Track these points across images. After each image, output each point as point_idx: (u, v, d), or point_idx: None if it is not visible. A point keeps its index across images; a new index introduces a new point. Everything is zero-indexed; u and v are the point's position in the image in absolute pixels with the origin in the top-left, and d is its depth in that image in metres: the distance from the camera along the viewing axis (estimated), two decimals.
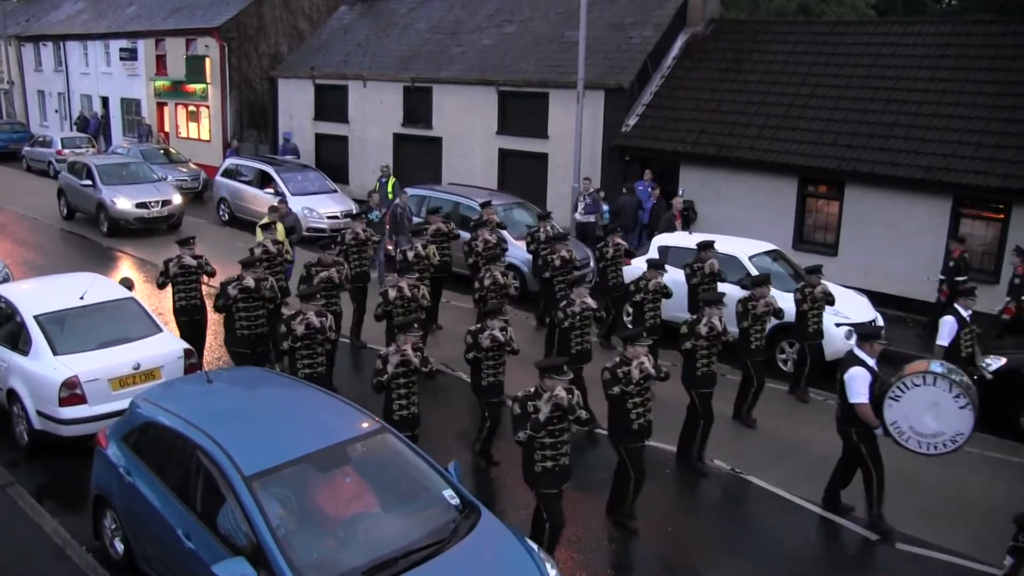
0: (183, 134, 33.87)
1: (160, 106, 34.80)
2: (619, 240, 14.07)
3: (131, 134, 35.24)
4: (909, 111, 17.68)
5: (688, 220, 18.28)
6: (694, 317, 10.19)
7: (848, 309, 13.13)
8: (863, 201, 17.45)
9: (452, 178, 23.68)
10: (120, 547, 7.78)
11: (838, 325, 12.63)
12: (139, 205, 21.83)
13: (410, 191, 19.51)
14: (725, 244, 13.88)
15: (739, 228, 17.05)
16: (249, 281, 10.88)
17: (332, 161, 27.37)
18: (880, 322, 13.42)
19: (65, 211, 24.03)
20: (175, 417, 7.30)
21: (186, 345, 10.84)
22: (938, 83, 17.78)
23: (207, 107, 32.28)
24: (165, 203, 22.21)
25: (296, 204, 21.31)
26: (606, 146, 21.30)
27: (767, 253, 14.22)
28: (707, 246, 13.04)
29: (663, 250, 14.72)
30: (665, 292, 12.16)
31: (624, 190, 19.53)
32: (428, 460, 7.35)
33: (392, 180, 21.09)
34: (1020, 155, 15.93)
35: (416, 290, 11.60)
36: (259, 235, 14.35)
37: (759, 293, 11.16)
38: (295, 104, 28.82)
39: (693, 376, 10.04)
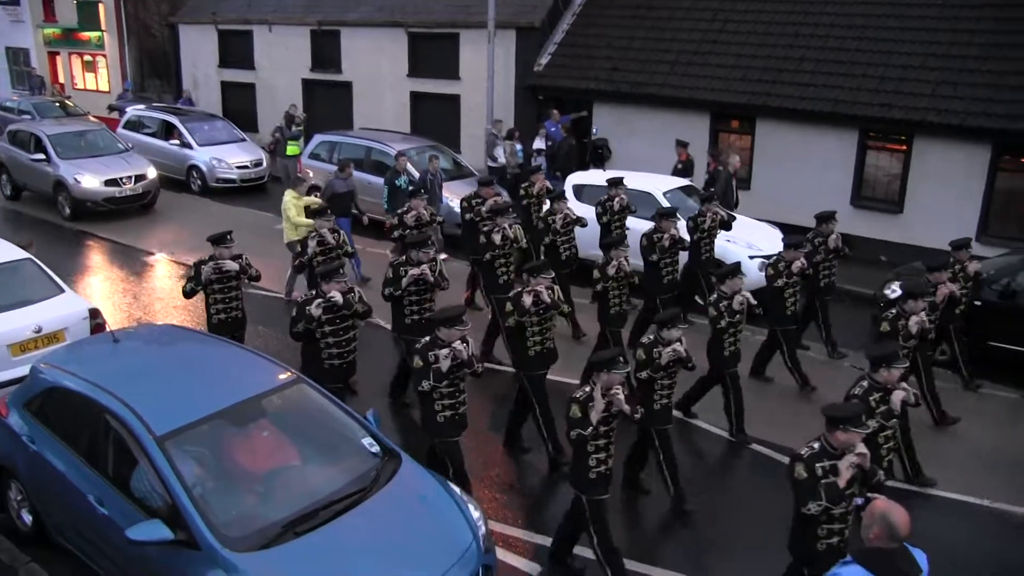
0: (79, 85, 32.49)
1: (52, 56, 33.23)
2: (717, 209, 12.45)
3: (21, 86, 33.56)
4: (816, 45, 17.84)
5: (602, 158, 18.29)
6: (603, 259, 10.22)
7: (761, 241, 13.36)
8: (774, 135, 17.68)
9: (364, 123, 23.24)
10: (28, 518, 7.51)
11: (752, 258, 12.86)
12: (108, 183, 18.22)
13: (320, 137, 19.12)
14: (639, 180, 13.94)
15: (654, 165, 17.11)
16: (336, 296, 8.37)
17: (240, 109, 26.62)
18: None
19: (9, 190, 20.15)
20: (81, 380, 7.00)
21: (91, 305, 10.39)
22: (843, 18, 17.93)
23: (104, 56, 30.95)
24: (139, 178, 18.65)
25: (203, 155, 20.74)
26: (519, 86, 21.10)
27: (681, 188, 14.34)
28: (616, 182, 12.98)
29: (577, 188, 14.72)
30: (682, 245, 11.53)
31: (562, 133, 19.20)
32: (347, 409, 7.27)
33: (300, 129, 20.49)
34: (921, 88, 16.29)
35: (552, 293, 8.88)
36: (292, 213, 13.13)
37: (665, 226, 11.21)
38: (198, 52, 27.87)
39: (607, 315, 10.31)
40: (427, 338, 7.53)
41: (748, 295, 9.31)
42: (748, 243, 13.04)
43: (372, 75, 23.91)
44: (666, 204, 13.63)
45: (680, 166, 16.95)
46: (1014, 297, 11.36)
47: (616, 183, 13.01)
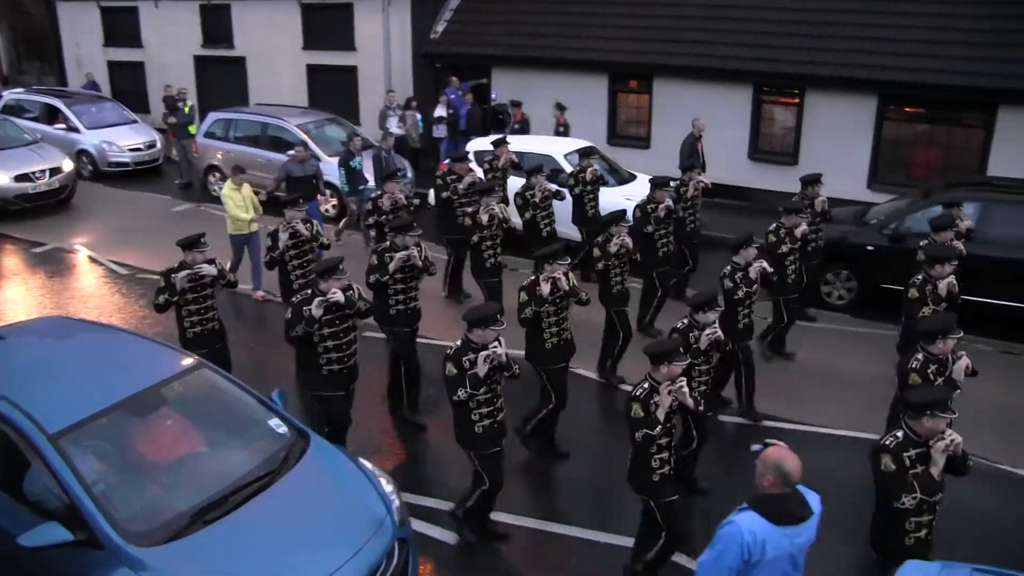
0: None
1: None
2: (699, 177, 12.12)
3: None
4: (709, 3, 18.12)
5: (503, 123, 18.27)
6: (603, 236, 9.65)
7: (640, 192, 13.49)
8: (671, 94, 17.91)
9: (259, 99, 22.72)
10: None
11: None
12: (19, 178, 16.62)
13: (215, 115, 18.63)
14: (539, 144, 14.00)
15: (549, 128, 17.21)
16: (337, 294, 7.57)
17: (129, 89, 25.68)
18: None
19: None
20: None
21: None
22: None
23: None
24: (53, 171, 17.07)
25: (92, 138, 20.01)
26: (416, 55, 20.85)
27: (581, 150, 14.39)
28: (588, 152, 12.59)
29: (478, 154, 14.69)
30: (676, 215, 11.26)
31: (466, 100, 19.01)
32: (251, 392, 7.14)
33: (188, 105, 19.89)
34: (810, 42, 16.69)
35: (569, 279, 8.37)
36: (231, 206, 12.15)
37: (659, 196, 10.87)
38: (80, 30, 26.70)
39: (610, 295, 9.74)
40: (457, 342, 6.86)
41: (764, 263, 8.94)
42: None
43: (266, 49, 23.30)
44: (568, 167, 13.71)
45: (561, 129, 17.19)
46: (903, 240, 11.79)
47: (588, 153, 12.64)
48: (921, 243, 10.04)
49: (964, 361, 6.84)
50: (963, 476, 5.69)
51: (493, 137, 15.85)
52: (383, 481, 6.67)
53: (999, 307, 11.43)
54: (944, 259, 8.43)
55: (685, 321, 7.57)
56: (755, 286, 8.89)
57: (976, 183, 13.05)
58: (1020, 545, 7.59)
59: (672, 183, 11.76)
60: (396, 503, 6.50)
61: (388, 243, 8.99)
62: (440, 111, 18.72)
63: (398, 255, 8.73)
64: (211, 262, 8.61)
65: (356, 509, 6.31)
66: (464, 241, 11.46)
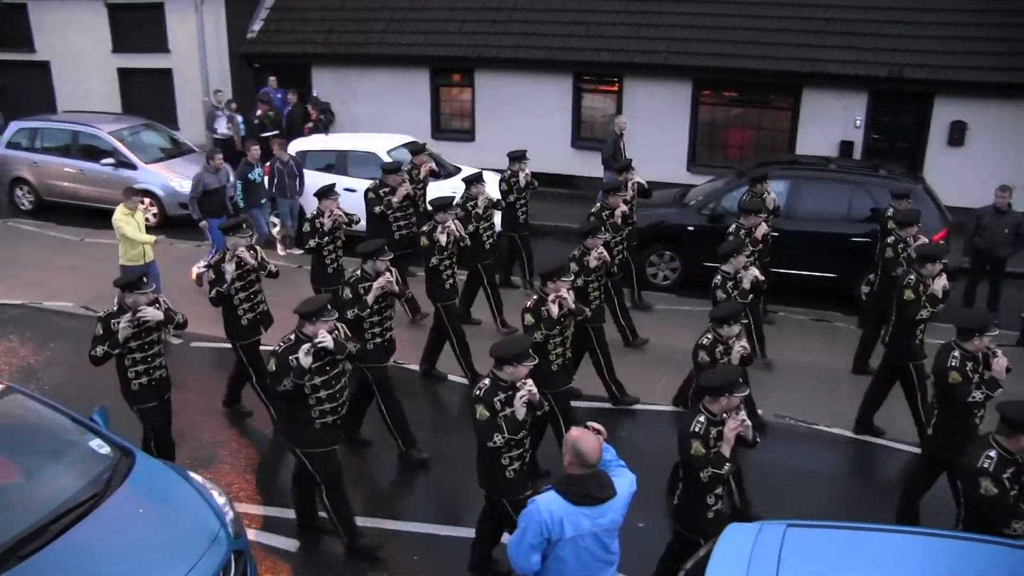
0: None
1: None
2: (636, 177, 11.67)
3: None
4: None
5: (326, 122, 17.99)
6: (579, 250, 9.06)
7: (490, 190, 13.62)
8: (493, 86, 18.11)
9: (68, 106, 21.50)
10: None
11: None
12: None
13: (18, 124, 17.52)
14: (361, 141, 13.91)
15: (379, 125, 17.10)
16: (326, 339, 6.66)
17: None
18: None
19: None
20: None
21: None
22: None
23: None
24: None
25: None
26: (233, 55, 20.26)
27: (405, 146, 14.36)
28: (519, 157, 12.15)
29: (301, 155, 14.44)
30: (633, 221, 10.95)
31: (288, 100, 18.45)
32: (69, 413, 6.78)
33: None
34: (626, 31, 17.23)
35: (572, 297, 7.85)
36: (129, 231, 10.86)
37: (613, 202, 10.52)
38: None
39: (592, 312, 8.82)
40: (484, 381, 6.11)
41: (756, 271, 8.60)
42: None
43: (72, 53, 22.06)
44: (390, 161, 13.64)
45: (312, 124, 17.34)
46: (721, 219, 12.33)
47: (518, 157, 12.12)
48: (889, 240, 9.93)
49: (1003, 360, 6.79)
50: (751, 448, 6.03)
51: (320, 137, 15.66)
52: (215, 494, 6.48)
53: (810, 278, 12.11)
54: (935, 257, 8.23)
55: (710, 336, 7.16)
56: (750, 296, 8.58)
57: (786, 162, 13.82)
58: (836, 499, 8.07)
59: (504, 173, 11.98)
60: (230, 515, 6.32)
61: (359, 272, 8.13)
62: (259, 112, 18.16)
63: (376, 284, 7.97)
64: (155, 303, 7.50)
65: (188, 525, 6.10)
66: (402, 257, 10.93)
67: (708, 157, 17.22)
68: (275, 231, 14.07)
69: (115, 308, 7.41)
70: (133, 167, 15.70)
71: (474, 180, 11.16)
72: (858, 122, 16.37)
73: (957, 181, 14.72)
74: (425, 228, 9.74)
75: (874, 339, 9.91)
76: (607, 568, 4.86)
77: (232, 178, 13.25)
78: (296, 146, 14.93)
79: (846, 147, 16.41)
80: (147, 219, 15.19)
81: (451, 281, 9.78)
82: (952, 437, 6.77)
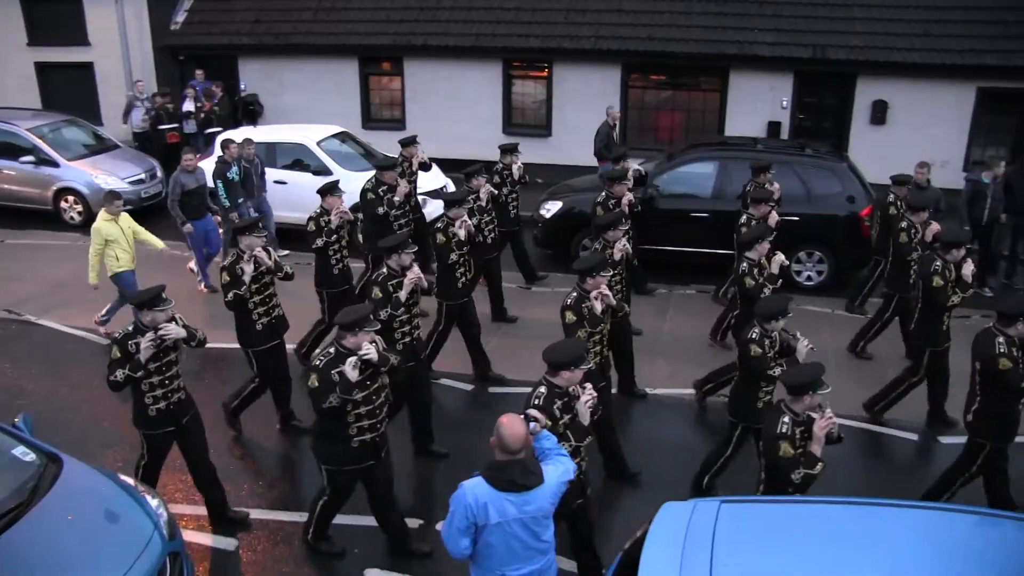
0: None
1: None
2: (636, 165, 11.54)
3: None
4: None
5: (255, 114, 17.75)
6: (600, 243, 8.84)
7: (420, 180, 13.57)
8: (423, 74, 18.02)
9: None
10: None
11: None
12: None
13: None
14: (291, 132, 13.73)
15: (308, 115, 16.96)
16: (370, 350, 6.22)
17: None
18: (451, 187, 14.08)
19: None
20: None
21: None
22: None
23: None
24: None
25: None
26: (157, 47, 19.83)
27: (335, 136, 14.23)
28: (511, 149, 11.96)
29: (224, 144, 14.16)
30: (638, 210, 10.66)
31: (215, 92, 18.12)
32: None
33: None
34: (555, 16, 17.26)
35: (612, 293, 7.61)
36: (131, 235, 10.29)
37: (618, 191, 10.40)
38: None
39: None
40: (540, 390, 5.74)
41: (782, 257, 8.58)
42: None
43: None
44: (322, 154, 13.49)
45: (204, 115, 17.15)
46: (652, 202, 12.43)
47: (510, 150, 11.89)
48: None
49: (805, 343, 6.89)
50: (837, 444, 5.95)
51: (247, 129, 15.39)
52: (148, 496, 6.37)
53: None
54: (959, 243, 8.17)
55: (757, 331, 6.95)
56: (779, 282, 8.49)
57: (715, 143, 13.98)
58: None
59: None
60: (164, 517, 6.22)
61: (385, 270, 7.73)
62: (188, 105, 17.81)
63: (407, 279, 7.60)
64: (173, 320, 6.86)
65: (120, 529, 5.99)
66: None
67: (639, 140, 17.36)
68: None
69: (130, 328, 6.72)
70: (55, 164, 15.29)
71: (475, 172, 10.62)
72: (784, 103, 16.67)
73: (880, 158, 15.04)
74: (440, 225, 9.21)
75: (876, 323, 10.13)
76: (539, 556, 4.85)
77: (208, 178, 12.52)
78: (223, 139, 14.64)
79: (774, 127, 16.71)
80: (71, 218, 14.93)
81: (464, 280, 9.28)
82: (999, 422, 6.86)
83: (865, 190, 12.20)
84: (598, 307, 7.23)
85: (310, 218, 9.60)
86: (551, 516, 4.88)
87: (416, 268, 7.70)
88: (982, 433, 6.92)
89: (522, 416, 5.04)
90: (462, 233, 9.06)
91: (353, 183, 11.58)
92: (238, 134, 14.70)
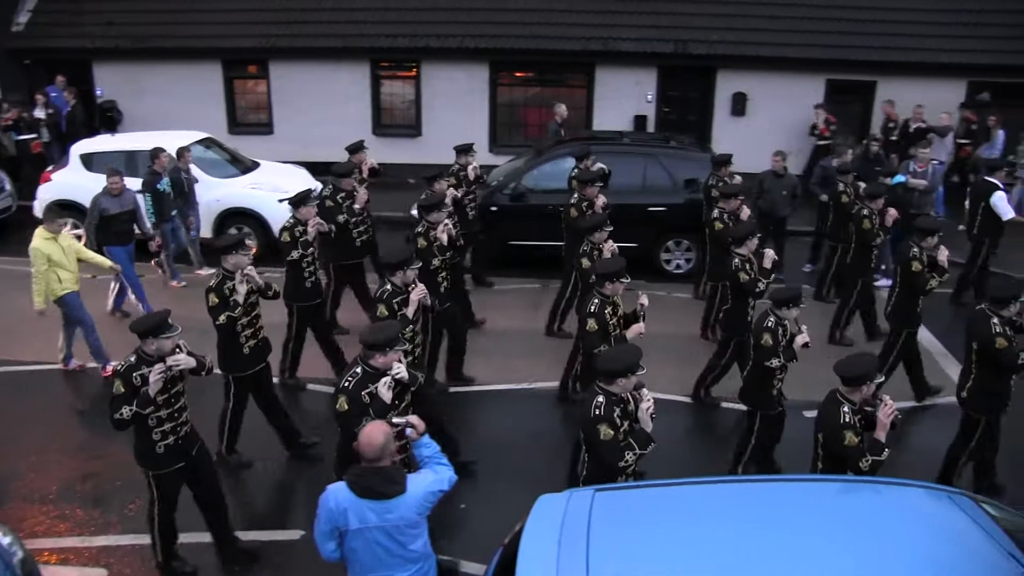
0: None
1: None
2: (601, 164, 11.23)
3: None
4: None
5: (113, 121, 17.05)
6: (587, 245, 8.82)
7: (287, 183, 13.36)
8: (289, 76, 17.68)
9: None
10: None
11: (280, 201, 12.81)
12: None
13: None
14: (152, 139, 13.20)
15: (171, 122, 16.31)
16: (401, 371, 6.05)
17: None
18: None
19: None
20: None
21: None
22: None
23: None
24: None
25: None
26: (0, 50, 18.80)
27: (199, 142, 13.80)
28: (466, 149, 11.67)
29: (86, 157, 13.60)
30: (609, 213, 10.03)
31: (67, 99, 17.27)
32: None
33: None
34: (423, 16, 17.25)
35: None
36: (79, 256, 9.58)
37: (590, 192, 10.17)
38: None
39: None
40: (599, 399, 5.67)
41: (772, 251, 8.84)
42: (275, 187, 13.07)
43: None
44: (341, 163, 13.03)
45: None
46: (522, 198, 12.53)
47: (464, 151, 11.63)
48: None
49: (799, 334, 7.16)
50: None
51: (105, 137, 14.75)
52: (0, 534, 6.01)
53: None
54: (933, 231, 8.60)
55: (773, 320, 7.18)
56: (772, 276, 8.69)
57: (583, 138, 14.15)
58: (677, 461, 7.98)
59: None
60: (18, 555, 5.91)
61: (389, 287, 7.49)
62: (39, 112, 16.95)
63: (413, 296, 7.39)
64: (178, 348, 6.34)
65: None
66: (357, 267, 10.45)
67: (508, 137, 17.49)
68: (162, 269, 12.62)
69: (132, 359, 6.14)
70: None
71: (436, 177, 10.37)
72: (649, 97, 17.06)
73: (741, 148, 15.51)
74: (419, 229, 8.99)
75: (844, 309, 10.47)
76: (407, 564, 4.79)
77: (139, 200, 11.59)
78: (80, 148, 14.02)
79: (640, 121, 17.09)
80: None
81: (446, 284, 9.06)
82: (994, 397, 7.20)
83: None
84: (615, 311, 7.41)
85: (283, 229, 9.19)
86: (420, 526, 4.82)
87: (421, 285, 7.54)
88: (978, 407, 7.29)
89: (393, 423, 5.01)
90: (444, 238, 8.84)
91: (218, 190, 11.24)
92: (96, 143, 14.14)
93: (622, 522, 5.19)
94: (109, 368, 9.56)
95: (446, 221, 9.00)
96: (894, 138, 15.43)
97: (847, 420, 5.77)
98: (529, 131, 17.53)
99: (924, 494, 5.41)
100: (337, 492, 4.68)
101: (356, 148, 11.71)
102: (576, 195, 10.39)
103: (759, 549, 4.65)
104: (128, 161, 13.16)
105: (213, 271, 10.51)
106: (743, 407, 7.95)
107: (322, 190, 10.58)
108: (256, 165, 14.21)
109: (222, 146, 14.63)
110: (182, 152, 12.41)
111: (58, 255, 9.41)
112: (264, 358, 8.05)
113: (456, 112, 16.97)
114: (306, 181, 13.77)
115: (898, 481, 5.64)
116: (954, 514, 4.99)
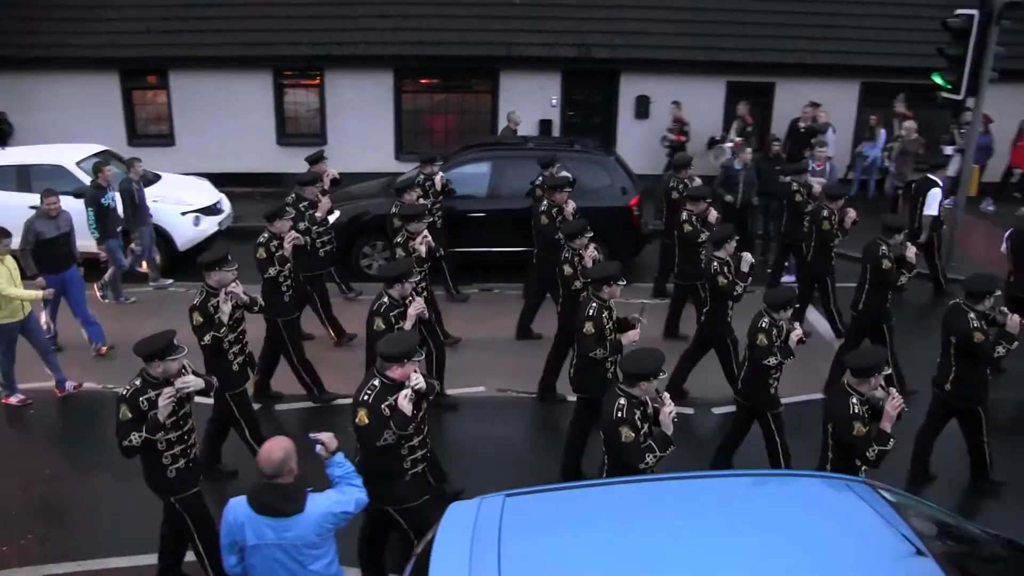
0: None
1: None
2: (565, 172, 11.34)
3: None
4: None
5: (4, 134, 16.47)
6: (568, 252, 8.83)
7: (191, 196, 13.12)
8: (190, 87, 17.35)
9: None
10: None
11: (184, 213, 12.61)
12: None
13: None
14: (46, 153, 12.84)
15: (67, 134, 15.81)
16: (419, 382, 5.86)
17: None
18: (225, 204, 13.65)
19: None
20: None
21: None
22: None
23: None
24: None
25: None
26: None
27: (97, 155, 13.42)
28: (431, 159, 11.55)
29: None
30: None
31: None
32: None
33: None
34: (326, 24, 17.21)
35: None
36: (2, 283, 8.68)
37: (559, 198, 10.28)
38: None
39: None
40: (620, 401, 5.79)
41: (750, 256, 8.84)
42: (178, 199, 12.80)
43: None
44: (82, 175, 12.66)
45: None
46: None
47: (432, 160, 11.54)
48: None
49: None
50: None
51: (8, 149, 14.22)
52: None
53: (514, 255, 12.29)
54: (900, 229, 8.87)
55: (767, 321, 7.30)
56: (749, 279, 8.82)
57: (488, 143, 14.23)
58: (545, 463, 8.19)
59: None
60: None
61: (386, 300, 7.41)
62: None
63: (410, 311, 7.34)
64: (184, 369, 6.13)
65: None
66: (320, 277, 10.29)
67: (414, 144, 17.48)
68: (142, 263, 12.33)
69: (138, 383, 5.92)
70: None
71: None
72: (554, 101, 17.28)
73: (645, 151, 15.86)
74: (399, 240, 8.99)
75: (830, 304, 10.64)
76: None
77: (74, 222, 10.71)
78: (95, 162, 13.38)
79: (545, 125, 17.29)
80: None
81: (426, 295, 8.86)
82: (974, 388, 7.54)
83: (632, 182, 12.77)
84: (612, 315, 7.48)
85: (259, 244, 8.85)
86: (321, 547, 4.76)
87: (419, 299, 7.50)
88: (964, 397, 7.59)
89: (309, 438, 4.99)
90: (423, 249, 8.81)
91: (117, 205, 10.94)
92: None
93: (533, 526, 5.24)
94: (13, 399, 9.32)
95: (425, 232, 8.97)
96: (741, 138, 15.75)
97: (856, 411, 5.96)
98: (435, 137, 17.57)
99: (824, 483, 5.63)
100: (236, 506, 4.65)
101: (317, 159, 11.57)
102: (545, 202, 10.48)
103: (666, 545, 4.76)
104: (19, 175, 12.72)
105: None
106: (728, 409, 8.25)
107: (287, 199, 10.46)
108: (157, 178, 13.86)
109: (121, 159, 14.23)
110: (132, 163, 12.02)
111: (5, 281, 8.81)
112: (249, 375, 7.92)
113: (362, 120, 16.89)
114: (210, 193, 13.54)
115: (802, 473, 5.87)
116: (853, 501, 5.19)
